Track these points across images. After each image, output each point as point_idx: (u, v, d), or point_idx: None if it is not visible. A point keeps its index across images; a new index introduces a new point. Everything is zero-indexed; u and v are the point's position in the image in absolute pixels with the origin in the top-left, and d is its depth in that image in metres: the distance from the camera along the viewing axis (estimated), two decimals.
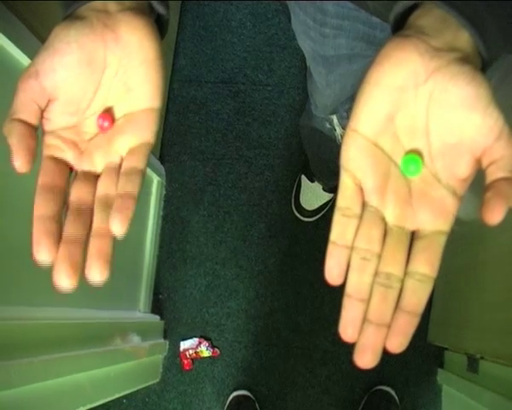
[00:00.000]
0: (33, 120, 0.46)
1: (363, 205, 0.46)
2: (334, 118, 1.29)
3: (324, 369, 1.82)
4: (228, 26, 2.05)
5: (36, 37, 1.05)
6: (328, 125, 1.33)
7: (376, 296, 0.44)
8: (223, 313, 1.88)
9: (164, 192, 1.97)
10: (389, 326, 0.44)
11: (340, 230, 0.45)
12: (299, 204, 1.89)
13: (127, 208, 0.45)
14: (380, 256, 0.45)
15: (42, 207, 0.44)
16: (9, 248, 1.01)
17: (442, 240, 0.44)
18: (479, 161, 0.44)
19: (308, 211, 1.88)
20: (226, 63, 2.03)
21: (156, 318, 1.87)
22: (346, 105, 1.22)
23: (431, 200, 0.45)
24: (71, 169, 0.49)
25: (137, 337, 1.61)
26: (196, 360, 1.85)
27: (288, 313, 1.87)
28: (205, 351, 1.83)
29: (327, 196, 1.86)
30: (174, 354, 1.87)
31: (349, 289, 0.44)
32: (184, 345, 1.85)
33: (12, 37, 0.97)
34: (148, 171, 1.78)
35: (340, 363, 1.81)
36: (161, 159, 1.97)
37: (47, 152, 0.48)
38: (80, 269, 0.44)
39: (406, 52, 0.43)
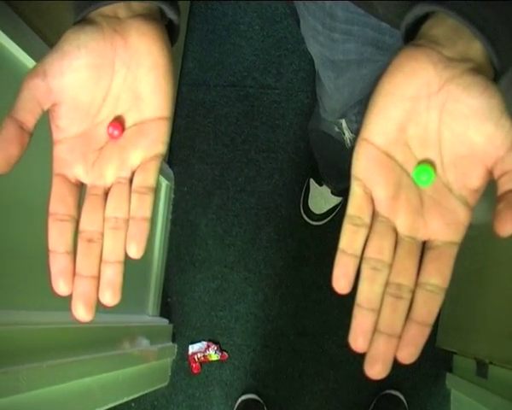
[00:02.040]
0: (31, 119, 0.46)
1: (374, 215, 0.45)
2: (343, 122, 1.29)
3: (332, 372, 1.82)
4: (236, 30, 2.05)
5: (41, 38, 1.05)
6: (336, 129, 1.33)
7: (387, 307, 0.44)
8: (231, 317, 1.88)
9: (172, 196, 1.97)
10: (400, 337, 0.43)
11: (349, 238, 0.45)
12: (308, 208, 1.88)
13: (142, 233, 0.47)
14: (391, 266, 0.45)
15: (56, 243, 0.46)
16: (18, 252, 1.02)
17: (453, 251, 0.44)
18: (490, 172, 0.43)
19: (317, 215, 1.88)
20: (234, 66, 2.03)
21: (165, 321, 1.87)
22: (355, 109, 1.22)
23: (443, 210, 0.44)
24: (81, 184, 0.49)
25: (146, 341, 1.61)
26: (205, 363, 1.85)
27: (296, 317, 1.86)
28: (213, 355, 1.83)
29: (336, 200, 1.86)
30: (182, 358, 1.87)
31: (359, 298, 0.44)
32: (193, 349, 1.86)
33: (16, 38, 0.97)
34: None
35: (349, 367, 1.80)
36: (170, 162, 1.98)
37: (57, 169, 0.48)
38: (95, 301, 0.46)
39: (419, 62, 0.43)
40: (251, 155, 1.97)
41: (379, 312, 0.44)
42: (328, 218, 1.89)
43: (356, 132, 1.25)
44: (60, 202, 0.47)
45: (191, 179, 1.98)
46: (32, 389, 0.93)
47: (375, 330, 0.44)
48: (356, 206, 0.45)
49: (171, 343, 1.86)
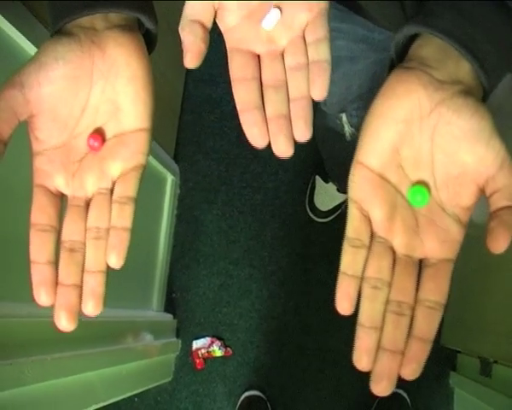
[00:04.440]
0: (7, 130, 0.45)
1: (372, 235, 0.46)
2: (343, 116, 1.29)
3: (336, 370, 1.82)
4: None
5: (43, 25, 1.04)
6: (338, 122, 1.33)
7: (389, 324, 0.45)
8: (235, 313, 1.89)
9: (178, 191, 1.97)
10: (403, 353, 0.44)
11: (350, 260, 0.45)
12: (314, 205, 1.88)
13: (122, 243, 0.47)
14: (390, 285, 0.46)
15: (37, 253, 0.46)
16: (21, 245, 1.02)
17: (449, 267, 0.45)
18: (482, 190, 0.45)
19: (322, 212, 1.88)
20: None
21: (169, 317, 1.88)
22: (355, 104, 1.22)
23: (437, 229, 0.46)
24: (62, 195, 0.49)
25: (150, 336, 1.61)
26: (208, 359, 1.85)
27: (300, 314, 1.86)
28: (217, 351, 1.83)
29: (341, 197, 1.86)
30: (186, 354, 1.88)
31: (362, 318, 0.45)
32: (197, 344, 1.86)
33: (23, 29, 0.96)
34: (163, 170, 1.78)
35: (353, 364, 1.79)
36: (176, 158, 1.98)
37: (37, 180, 0.48)
38: (78, 310, 0.47)
39: (410, 85, 0.45)
40: (257, 151, 1.96)
41: (381, 330, 0.45)
42: (334, 215, 1.89)
43: (356, 127, 1.26)
44: (41, 213, 0.47)
45: (197, 175, 1.98)
46: (36, 382, 0.93)
47: (378, 348, 0.45)
48: (354, 228, 0.46)
49: (174, 339, 1.87)
